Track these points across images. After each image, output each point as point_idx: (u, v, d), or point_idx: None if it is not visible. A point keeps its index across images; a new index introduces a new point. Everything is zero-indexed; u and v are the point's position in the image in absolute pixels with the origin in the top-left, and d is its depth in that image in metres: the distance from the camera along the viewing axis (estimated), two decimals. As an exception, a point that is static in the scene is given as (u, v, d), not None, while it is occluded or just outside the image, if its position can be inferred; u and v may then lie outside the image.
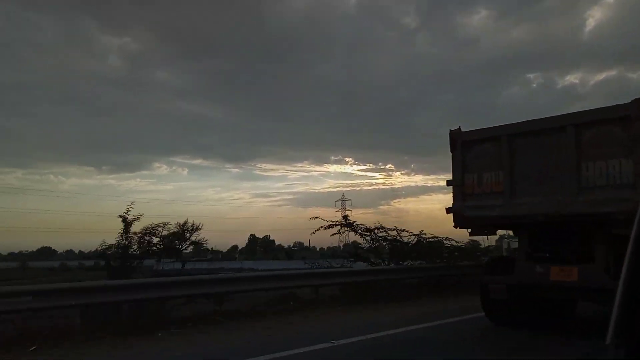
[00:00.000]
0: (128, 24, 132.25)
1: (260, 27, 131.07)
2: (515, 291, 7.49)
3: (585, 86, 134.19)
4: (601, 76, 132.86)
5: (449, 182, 8.15)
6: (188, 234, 9.98)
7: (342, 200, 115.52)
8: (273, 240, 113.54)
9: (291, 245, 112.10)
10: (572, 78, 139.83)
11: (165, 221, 10.54)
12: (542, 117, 7.14)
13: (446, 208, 8.09)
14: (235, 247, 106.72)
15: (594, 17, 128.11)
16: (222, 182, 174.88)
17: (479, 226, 8.27)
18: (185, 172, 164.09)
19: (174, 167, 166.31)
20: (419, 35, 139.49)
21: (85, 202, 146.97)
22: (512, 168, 7.32)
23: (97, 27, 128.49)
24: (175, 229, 10.55)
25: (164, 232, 10.60)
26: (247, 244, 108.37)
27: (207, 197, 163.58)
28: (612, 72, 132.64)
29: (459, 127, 8.10)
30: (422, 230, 14.12)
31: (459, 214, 7.92)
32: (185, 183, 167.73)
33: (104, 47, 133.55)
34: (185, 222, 10.81)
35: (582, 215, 6.57)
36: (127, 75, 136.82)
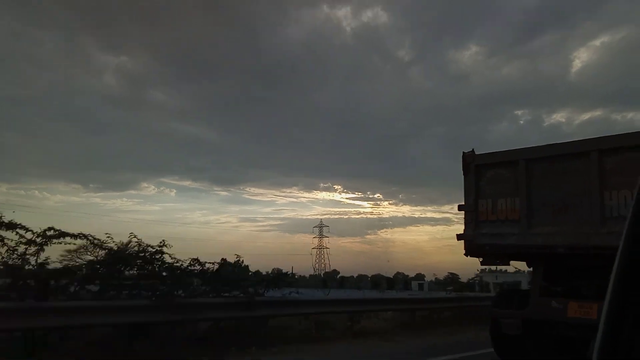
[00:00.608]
0: (126, 43, 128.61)
1: (259, 53, 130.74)
2: (529, 327, 6.99)
3: (571, 125, 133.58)
4: (586, 116, 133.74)
5: (460, 207, 7.73)
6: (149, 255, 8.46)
7: (320, 226, 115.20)
8: (247, 266, 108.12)
9: (269, 272, 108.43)
10: (559, 116, 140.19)
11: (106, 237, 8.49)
12: None
13: (457, 235, 7.65)
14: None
15: (580, 59, 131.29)
16: (210, 204, 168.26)
17: (492, 255, 7.80)
18: (173, 193, 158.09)
19: (162, 188, 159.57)
20: (413, 69, 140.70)
21: (69, 219, 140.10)
22: (530, 195, 6.90)
23: (95, 44, 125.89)
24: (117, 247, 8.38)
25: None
26: (219, 268, 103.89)
27: (193, 219, 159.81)
28: (597, 113, 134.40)
29: (472, 149, 7.73)
30: None
31: (471, 241, 7.48)
32: (172, 204, 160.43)
33: (101, 65, 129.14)
34: (129, 242, 8.44)
35: (605, 248, 6.11)
36: (123, 94, 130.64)
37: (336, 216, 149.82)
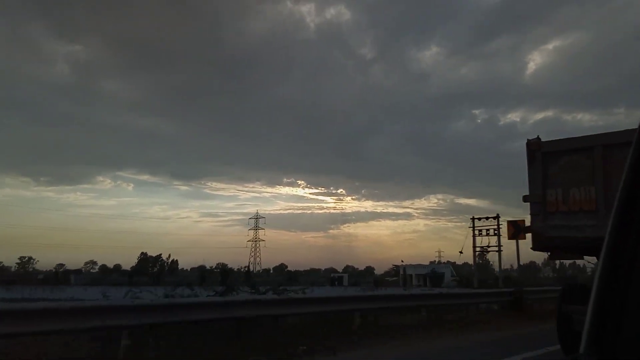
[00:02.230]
0: (79, 31, 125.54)
1: (220, 45, 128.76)
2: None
3: (525, 125, 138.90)
4: (540, 116, 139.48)
5: (525, 199, 7.23)
6: None
7: (256, 217, 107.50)
8: (176, 261, 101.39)
9: (213, 267, 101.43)
10: (514, 116, 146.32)
11: None
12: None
13: (524, 227, 7.16)
14: (117, 266, 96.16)
15: (534, 61, 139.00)
16: (170, 199, 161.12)
17: (563, 249, 7.29)
18: (131, 187, 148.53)
19: (118, 182, 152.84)
20: (375, 66, 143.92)
21: (20, 214, 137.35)
22: (608, 183, 6.37)
23: (45, 31, 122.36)
24: None
25: None
26: (137, 264, 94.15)
27: (152, 214, 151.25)
28: (549, 113, 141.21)
29: (538, 136, 7.22)
30: None
31: (539, 234, 6.98)
32: (129, 199, 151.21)
33: (51, 54, 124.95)
34: None
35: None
36: (75, 84, 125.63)
37: (299, 211, 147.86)
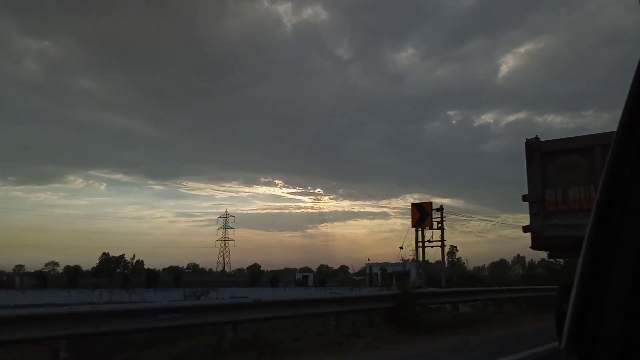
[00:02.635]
0: (50, 27, 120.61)
1: (197, 45, 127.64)
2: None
3: (498, 126, 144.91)
4: (512, 118, 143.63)
5: (525, 198, 7.28)
6: None
7: (225, 217, 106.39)
8: (141, 262, 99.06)
9: (185, 268, 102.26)
10: (487, 117, 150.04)
11: None
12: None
13: (523, 227, 7.21)
14: (77, 267, 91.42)
15: (507, 64, 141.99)
16: (144, 199, 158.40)
17: (562, 248, 7.37)
18: (103, 187, 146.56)
19: (90, 181, 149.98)
20: (352, 67, 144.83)
21: None
22: (608, 182, 6.45)
23: (14, 27, 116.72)
24: None
25: None
26: (99, 265, 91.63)
27: (125, 214, 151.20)
28: (522, 115, 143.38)
29: (537, 136, 7.28)
30: None
31: (539, 233, 7.04)
32: (102, 199, 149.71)
33: (21, 50, 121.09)
34: None
35: None
36: (46, 81, 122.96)
37: (277, 211, 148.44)
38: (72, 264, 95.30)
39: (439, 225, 28.40)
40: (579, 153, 6.83)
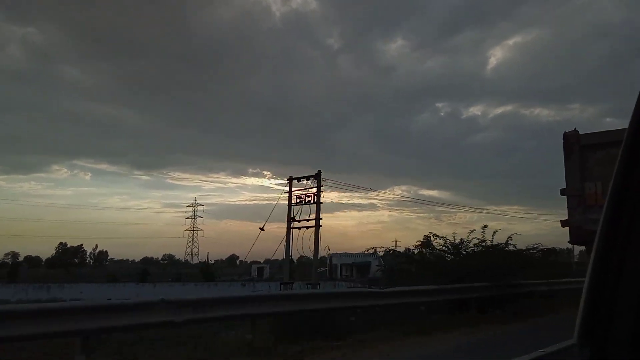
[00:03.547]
0: (35, 13, 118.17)
1: (185, 34, 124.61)
2: None
3: (486, 118, 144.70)
4: (499, 110, 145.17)
5: (563, 192, 7.19)
6: None
7: (194, 205, 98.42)
8: (105, 252, 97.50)
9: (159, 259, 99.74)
10: (475, 110, 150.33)
11: None
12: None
13: (561, 221, 7.13)
14: (37, 258, 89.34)
15: (496, 57, 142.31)
16: (130, 189, 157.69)
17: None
18: (89, 177, 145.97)
19: (75, 171, 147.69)
20: (341, 58, 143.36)
21: None
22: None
23: None
24: None
25: None
26: (55, 255, 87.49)
27: (111, 204, 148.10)
28: (509, 108, 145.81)
29: (575, 129, 7.17)
30: None
31: (578, 227, 6.96)
32: (87, 189, 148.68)
33: (4, 36, 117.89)
34: None
35: None
36: (30, 69, 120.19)
37: (265, 202, 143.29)
38: (33, 254, 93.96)
39: (314, 199, 21.98)
40: (619, 146, 6.74)
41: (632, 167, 1.17)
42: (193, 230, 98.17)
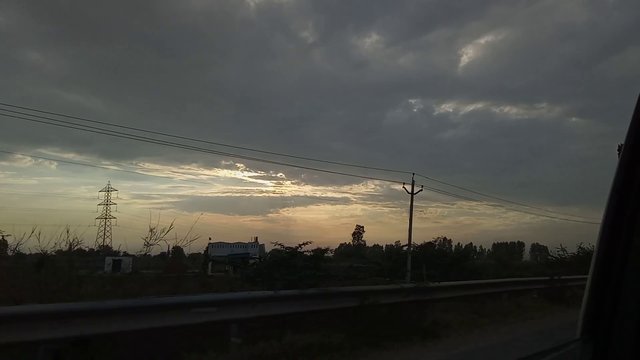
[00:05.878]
0: None
1: (155, 19, 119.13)
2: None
3: (457, 115, 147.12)
4: (470, 107, 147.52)
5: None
6: None
7: (107, 190, 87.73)
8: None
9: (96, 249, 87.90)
10: (447, 107, 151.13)
11: None
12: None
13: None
14: None
15: (467, 55, 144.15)
16: (98, 179, 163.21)
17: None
18: (54, 166, 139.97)
19: (40, 160, 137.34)
20: (315, 51, 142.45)
21: None
22: None
23: None
24: None
25: None
26: None
27: (78, 194, 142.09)
28: (480, 105, 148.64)
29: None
30: None
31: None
32: (52, 178, 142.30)
33: None
34: None
35: None
36: None
37: (238, 194, 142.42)
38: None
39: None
40: None
41: (632, 167, 1.21)
42: (105, 218, 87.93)
